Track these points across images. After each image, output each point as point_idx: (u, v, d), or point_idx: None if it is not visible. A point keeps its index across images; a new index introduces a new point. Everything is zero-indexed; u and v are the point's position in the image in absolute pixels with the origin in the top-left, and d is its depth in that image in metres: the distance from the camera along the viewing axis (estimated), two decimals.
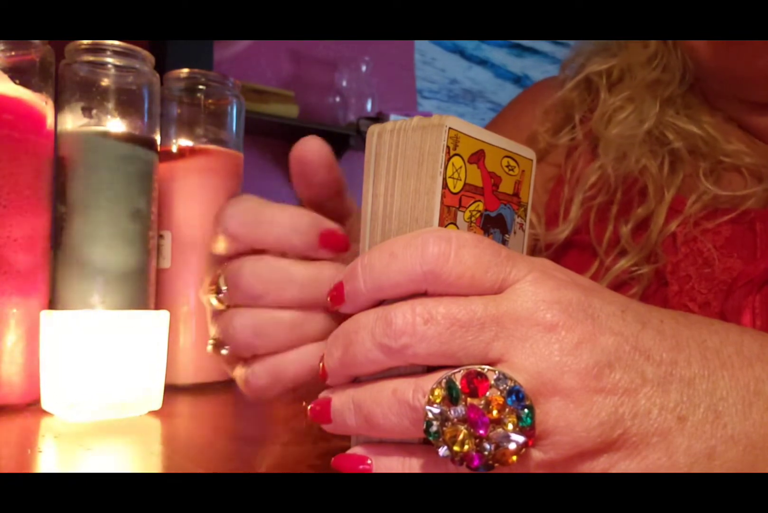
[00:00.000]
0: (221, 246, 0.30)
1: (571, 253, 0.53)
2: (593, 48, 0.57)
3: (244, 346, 0.30)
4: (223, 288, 0.30)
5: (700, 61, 0.49)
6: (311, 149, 0.30)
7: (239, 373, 0.31)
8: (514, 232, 0.28)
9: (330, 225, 0.30)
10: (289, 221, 0.29)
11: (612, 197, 0.51)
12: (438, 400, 0.22)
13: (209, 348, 0.32)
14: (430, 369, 0.23)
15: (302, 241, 0.29)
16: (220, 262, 0.31)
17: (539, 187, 0.57)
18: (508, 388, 0.21)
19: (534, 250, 0.54)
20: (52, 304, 0.46)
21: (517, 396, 0.21)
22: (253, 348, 0.30)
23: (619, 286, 0.49)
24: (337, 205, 0.32)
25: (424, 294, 0.23)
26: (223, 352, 0.31)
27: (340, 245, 0.30)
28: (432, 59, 2.42)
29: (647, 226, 0.49)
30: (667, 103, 0.51)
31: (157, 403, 0.43)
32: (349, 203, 0.33)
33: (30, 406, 0.43)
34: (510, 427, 0.21)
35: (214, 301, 0.31)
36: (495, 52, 2.55)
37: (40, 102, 0.44)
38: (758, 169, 0.48)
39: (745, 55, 0.44)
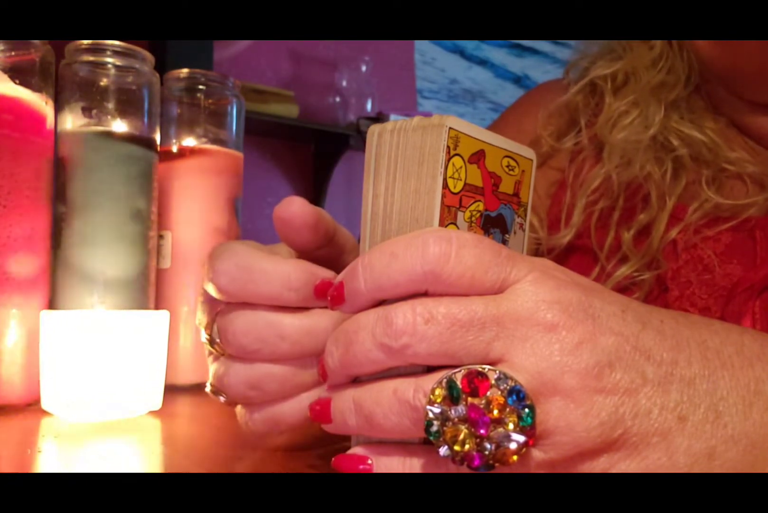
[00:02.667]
0: (212, 292, 0.30)
1: (572, 258, 0.53)
2: (598, 50, 0.56)
3: (239, 398, 0.31)
4: (217, 339, 0.30)
5: (705, 60, 0.49)
6: (292, 212, 0.29)
7: (240, 413, 0.32)
8: (514, 232, 0.28)
9: (324, 274, 0.29)
10: (280, 279, 0.28)
11: (614, 203, 0.51)
12: (439, 400, 0.22)
13: (207, 390, 0.32)
14: (431, 369, 0.23)
15: (295, 297, 0.29)
16: (214, 302, 0.31)
17: (542, 191, 0.56)
18: (508, 387, 0.21)
19: (536, 254, 0.54)
20: (52, 304, 0.46)
21: (517, 396, 0.21)
22: (248, 399, 0.31)
23: (621, 291, 0.49)
24: (330, 248, 0.32)
25: (425, 294, 0.23)
26: (221, 398, 0.31)
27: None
28: (432, 59, 2.42)
29: (649, 232, 0.48)
30: (672, 107, 0.51)
31: (157, 403, 0.42)
32: (342, 241, 0.32)
33: (30, 406, 0.43)
34: (511, 426, 0.21)
35: (210, 348, 0.31)
36: (495, 52, 2.55)
37: (40, 102, 0.44)
38: (760, 177, 0.48)
39: (753, 52, 0.44)
